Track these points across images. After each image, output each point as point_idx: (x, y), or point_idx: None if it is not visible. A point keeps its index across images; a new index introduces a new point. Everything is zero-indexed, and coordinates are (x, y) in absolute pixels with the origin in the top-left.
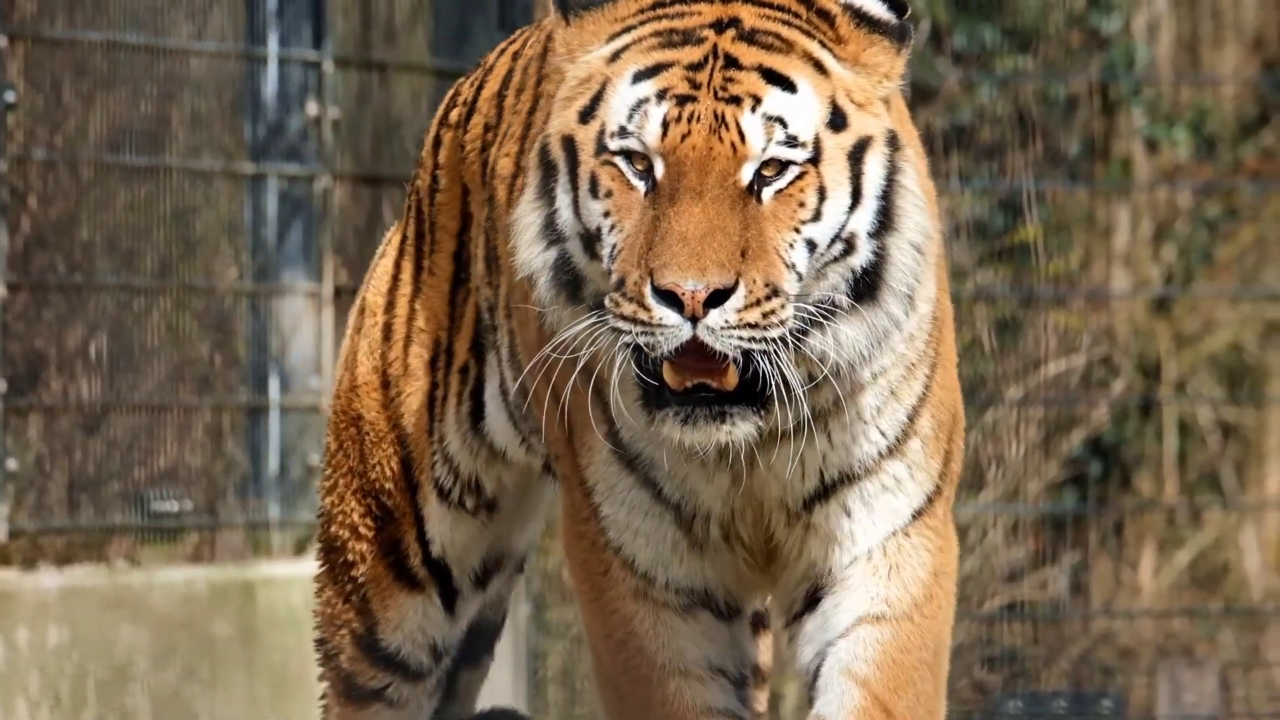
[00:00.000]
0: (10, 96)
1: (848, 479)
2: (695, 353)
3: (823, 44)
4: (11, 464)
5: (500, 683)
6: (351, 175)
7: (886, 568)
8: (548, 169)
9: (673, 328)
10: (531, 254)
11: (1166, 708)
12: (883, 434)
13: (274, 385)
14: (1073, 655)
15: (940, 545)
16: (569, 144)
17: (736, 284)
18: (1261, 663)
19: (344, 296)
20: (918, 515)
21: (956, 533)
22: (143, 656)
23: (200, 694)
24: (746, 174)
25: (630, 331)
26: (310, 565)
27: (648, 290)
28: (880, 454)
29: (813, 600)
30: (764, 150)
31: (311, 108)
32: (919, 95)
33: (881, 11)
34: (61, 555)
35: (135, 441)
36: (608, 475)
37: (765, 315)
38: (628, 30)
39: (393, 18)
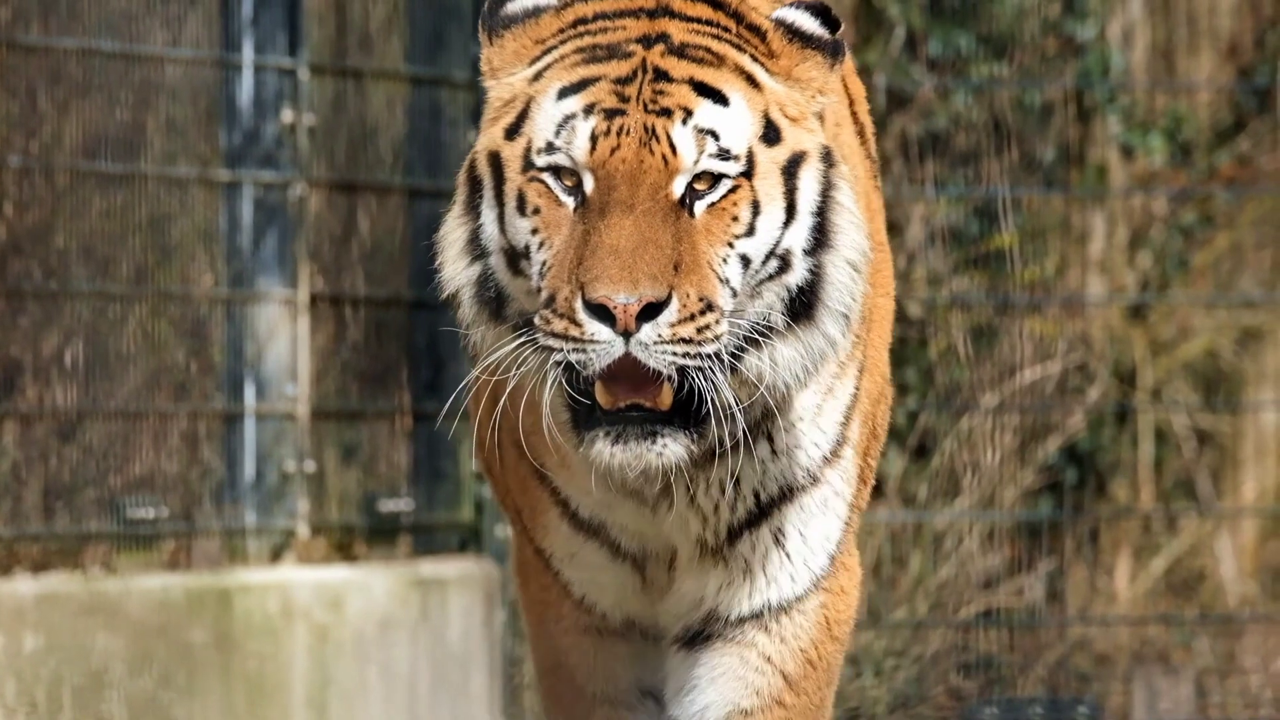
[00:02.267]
0: None
1: (787, 493)
2: (628, 373)
3: (754, 58)
4: None
5: (476, 687)
6: (327, 182)
7: (777, 641)
8: (473, 185)
9: (605, 343)
10: (455, 270)
11: (1143, 714)
12: (823, 431)
13: (250, 392)
14: (1049, 662)
15: (836, 599)
16: (495, 160)
17: (669, 297)
18: (1237, 669)
19: (319, 303)
20: (840, 548)
21: (932, 539)
22: (119, 663)
23: (177, 701)
24: (678, 187)
25: (561, 349)
26: (286, 570)
27: (579, 305)
28: (821, 460)
29: (695, 639)
30: (696, 163)
31: (287, 114)
32: (894, 102)
33: (814, 27)
34: (37, 562)
35: (111, 448)
36: (568, 544)
37: (699, 330)
38: (550, 50)
39: (368, 25)
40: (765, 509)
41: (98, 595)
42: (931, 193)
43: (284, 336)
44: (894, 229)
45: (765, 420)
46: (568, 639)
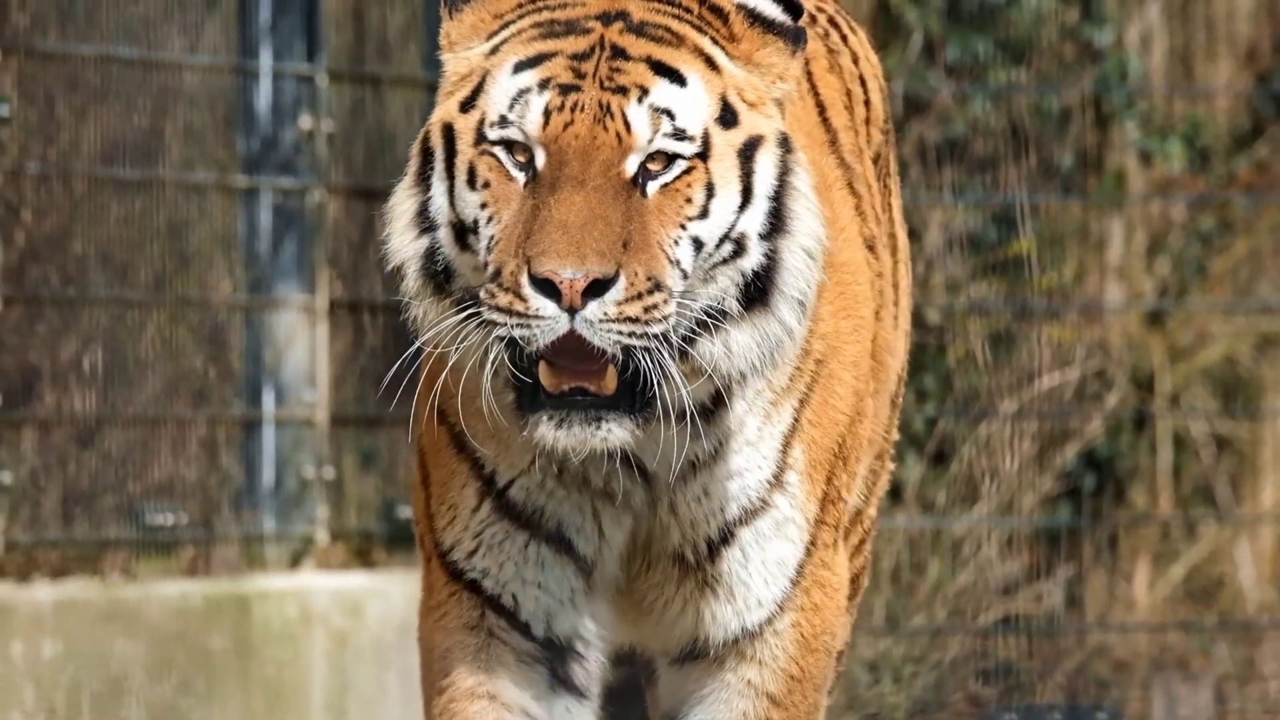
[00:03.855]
0: (3, 110)
1: (747, 515)
2: (573, 353)
3: (715, 41)
4: (5, 477)
5: None
6: (345, 189)
7: (755, 667)
8: (425, 156)
9: (549, 319)
10: (403, 242)
11: None
12: (765, 458)
13: (268, 398)
14: (1068, 669)
15: (811, 616)
16: (448, 132)
17: (617, 275)
18: (1256, 676)
19: (338, 309)
20: (799, 573)
21: (950, 546)
22: (138, 670)
23: (195, 707)
24: (631, 165)
25: (505, 324)
26: (305, 577)
27: (524, 279)
28: (768, 484)
29: (685, 658)
30: (650, 142)
31: (305, 121)
32: (912, 107)
33: (776, 13)
34: (56, 568)
35: (130, 455)
36: (492, 534)
37: (646, 310)
38: (508, 25)
39: (386, 31)
40: (725, 532)
41: (117, 602)
42: (949, 199)
43: (302, 343)
44: (912, 235)
45: (714, 420)
46: (451, 639)
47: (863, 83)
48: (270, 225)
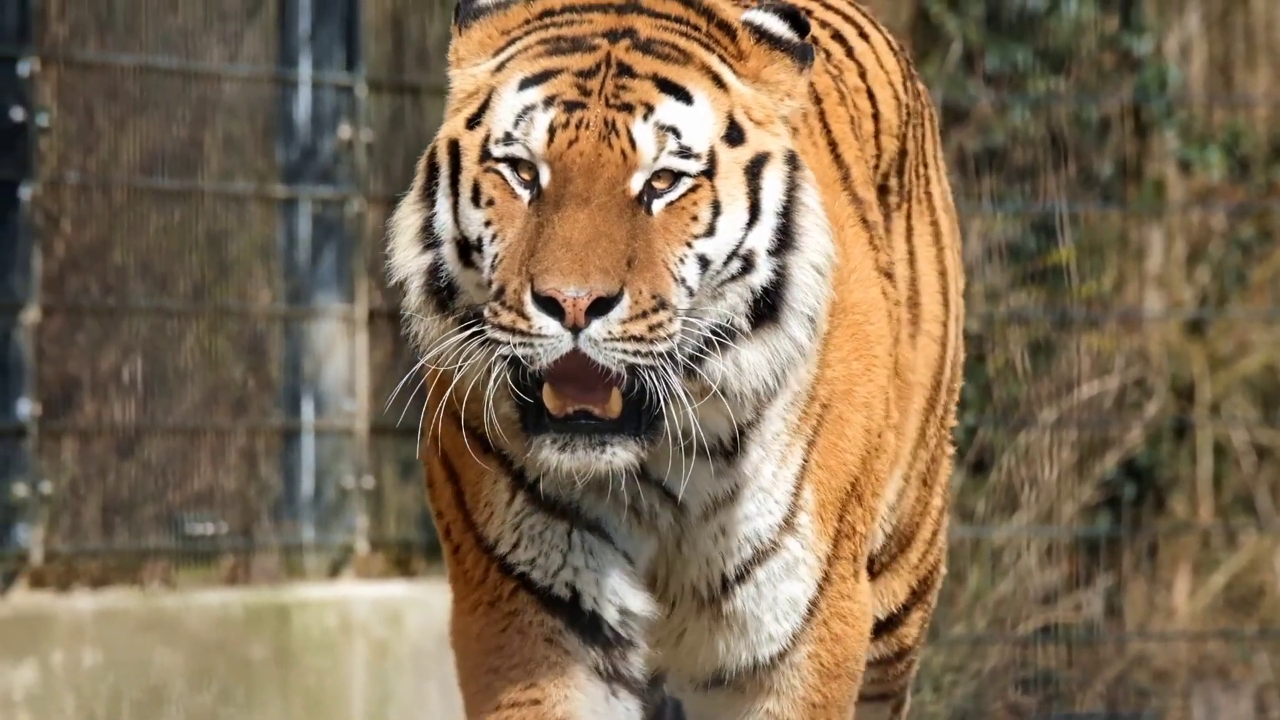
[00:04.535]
0: (43, 120)
1: (760, 555)
2: (577, 376)
3: (722, 59)
4: (46, 487)
5: None
6: (384, 198)
7: (773, 702)
8: (431, 172)
9: (552, 338)
10: (406, 258)
11: None
12: (778, 502)
13: (308, 408)
14: (1108, 678)
15: (830, 646)
16: (454, 148)
17: (621, 293)
18: None
19: (377, 319)
20: (812, 609)
21: (990, 555)
22: (178, 679)
23: (235, 716)
24: (636, 183)
25: (508, 342)
26: (345, 586)
27: (527, 297)
28: (780, 526)
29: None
30: (655, 160)
31: (344, 131)
32: (951, 117)
33: (784, 30)
34: (96, 578)
35: (169, 464)
36: (530, 524)
37: (651, 328)
38: (514, 41)
39: (425, 41)
40: (740, 572)
41: (157, 611)
42: (989, 208)
43: (342, 352)
44: None
45: (733, 462)
46: (498, 640)
47: (870, 95)
48: (309, 235)
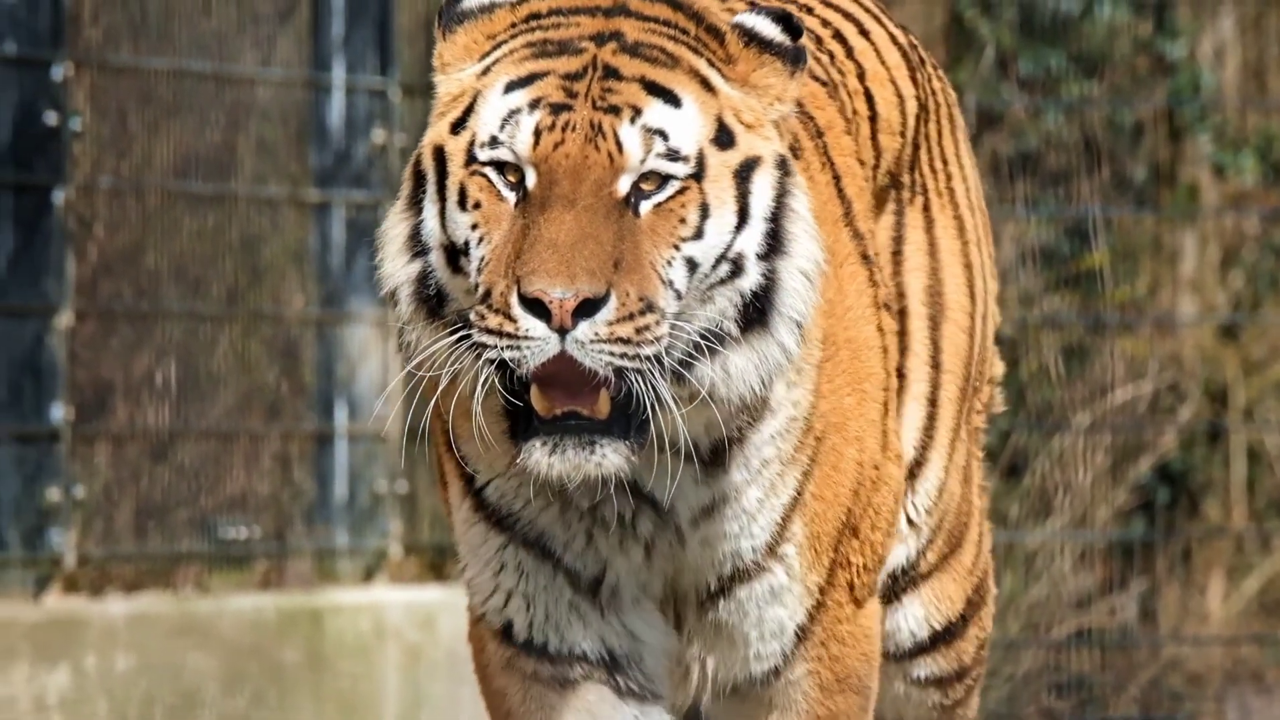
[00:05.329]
0: (76, 124)
1: (741, 575)
2: (565, 380)
3: (711, 62)
4: (79, 491)
5: None
6: None
7: (776, 713)
8: (417, 180)
9: (539, 340)
10: (395, 266)
11: None
12: (762, 529)
13: (341, 412)
14: (1142, 682)
15: (830, 665)
16: (439, 154)
17: (608, 295)
18: None
19: None
20: (801, 634)
21: (1024, 559)
22: (211, 683)
23: None
24: (623, 186)
25: (495, 345)
26: (378, 590)
27: (514, 299)
28: (764, 551)
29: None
30: (642, 162)
31: (378, 135)
32: (985, 121)
33: (774, 33)
34: (129, 582)
35: (203, 469)
36: (470, 536)
37: (638, 331)
38: (500, 45)
39: None
40: (722, 587)
41: (190, 615)
42: (1023, 212)
43: (375, 356)
44: None
45: (726, 501)
46: (497, 681)
47: (868, 96)
48: (343, 239)
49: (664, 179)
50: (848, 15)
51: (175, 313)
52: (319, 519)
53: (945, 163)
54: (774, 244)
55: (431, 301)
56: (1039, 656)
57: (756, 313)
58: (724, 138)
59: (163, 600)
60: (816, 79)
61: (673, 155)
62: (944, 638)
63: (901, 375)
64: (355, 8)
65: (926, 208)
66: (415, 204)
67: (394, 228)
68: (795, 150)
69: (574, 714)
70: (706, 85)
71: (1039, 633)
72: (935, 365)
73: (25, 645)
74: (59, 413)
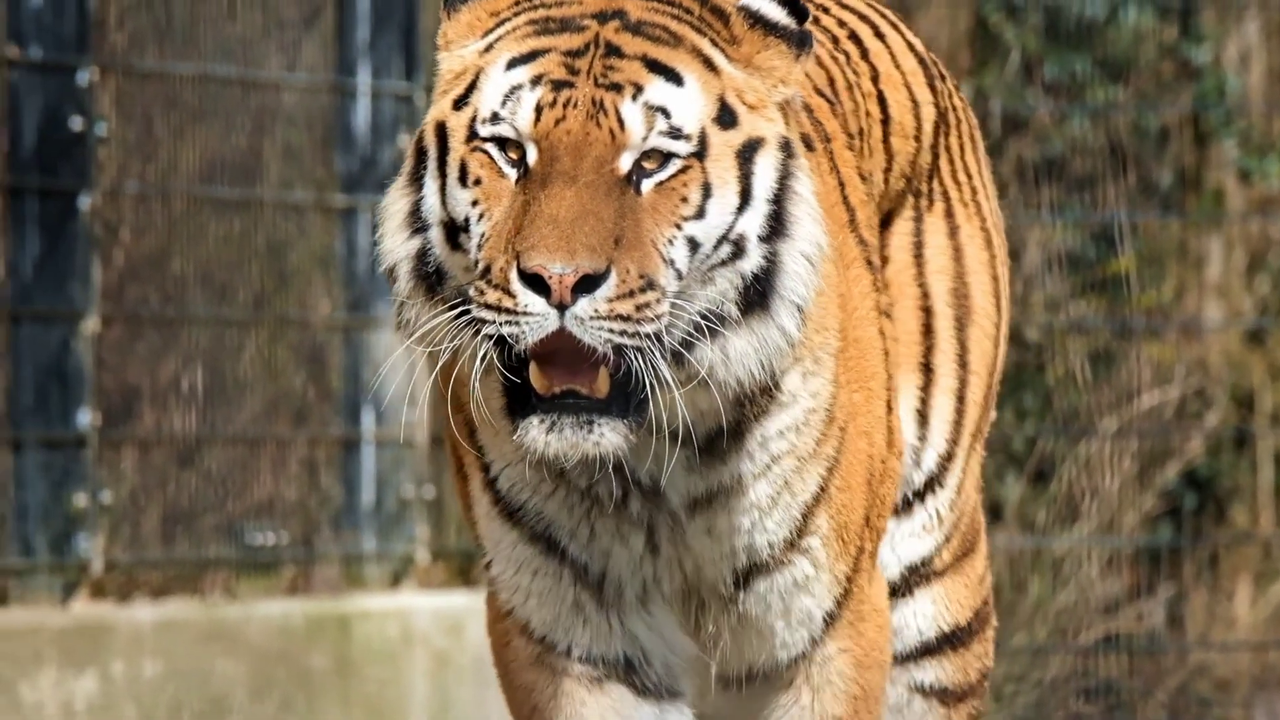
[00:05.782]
0: (102, 129)
1: (760, 568)
2: (564, 356)
3: (714, 42)
4: (106, 497)
5: None
6: None
7: (809, 692)
8: (419, 156)
9: (538, 316)
10: (395, 243)
11: None
12: (779, 524)
13: (368, 418)
14: (1169, 687)
15: (859, 642)
16: (441, 130)
17: (608, 271)
18: None
19: None
20: (829, 620)
21: (1051, 564)
22: (239, 689)
23: None
24: (625, 163)
25: (494, 321)
26: (406, 596)
27: (513, 275)
28: (782, 545)
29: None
30: (644, 140)
31: (403, 140)
32: (1010, 126)
33: (780, 15)
34: (157, 588)
35: (230, 474)
36: (490, 530)
37: (639, 308)
38: (503, 22)
39: None
40: (740, 579)
41: (217, 621)
42: (1048, 218)
43: (402, 362)
44: (1010, 254)
45: (728, 491)
46: (526, 676)
47: (881, 99)
48: (369, 244)
49: (666, 157)
50: (863, 18)
51: (202, 318)
52: (346, 524)
53: (970, 177)
54: (776, 226)
55: (431, 278)
56: (1067, 662)
57: (757, 295)
58: (726, 117)
59: (190, 606)
60: (820, 93)
61: (675, 133)
62: (950, 642)
63: (929, 370)
64: (381, 12)
65: (949, 214)
66: (416, 180)
67: (394, 204)
68: (807, 141)
69: (599, 711)
70: (709, 65)
71: (1067, 638)
72: (963, 364)
73: (53, 651)
74: (86, 418)
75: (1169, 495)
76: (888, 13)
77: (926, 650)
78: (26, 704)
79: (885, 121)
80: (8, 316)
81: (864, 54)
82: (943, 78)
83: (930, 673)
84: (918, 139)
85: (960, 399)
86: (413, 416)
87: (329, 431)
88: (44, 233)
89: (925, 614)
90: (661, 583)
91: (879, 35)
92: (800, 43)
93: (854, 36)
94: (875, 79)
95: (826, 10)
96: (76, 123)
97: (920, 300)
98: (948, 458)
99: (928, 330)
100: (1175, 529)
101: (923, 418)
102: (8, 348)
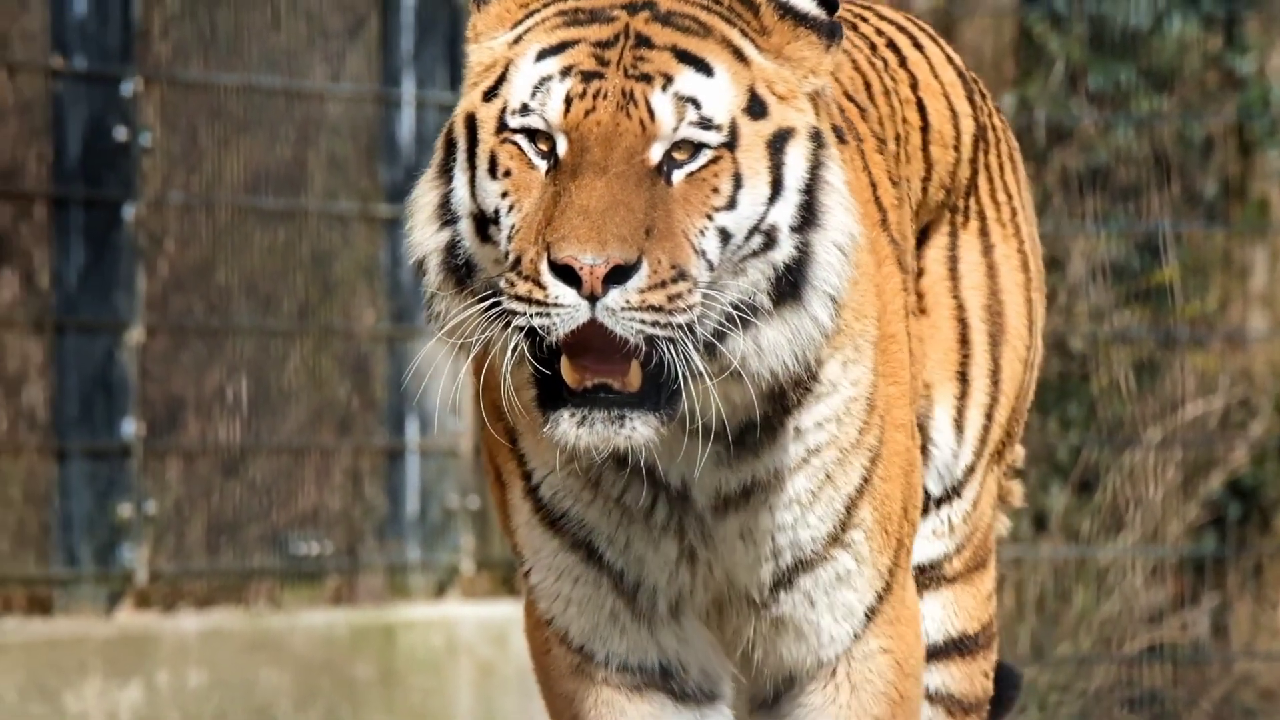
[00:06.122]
0: (146, 140)
1: (803, 565)
2: (595, 347)
3: (744, 33)
4: (151, 507)
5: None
6: None
7: (847, 689)
8: (449, 148)
9: (569, 307)
10: (425, 235)
11: None
12: (821, 520)
13: (412, 428)
14: (1214, 697)
15: (899, 641)
16: (470, 122)
17: (639, 262)
18: None
19: None
20: (870, 614)
21: (1095, 574)
22: (283, 699)
23: None
24: (655, 153)
25: (525, 313)
26: (450, 606)
27: (544, 266)
28: (825, 540)
29: (774, 709)
30: (675, 130)
31: None
32: (1055, 136)
33: (809, 6)
34: (201, 598)
35: (274, 484)
36: (531, 538)
37: (670, 299)
38: (532, 14)
39: None
40: (781, 578)
41: (262, 631)
42: (1093, 228)
43: (446, 372)
44: (1055, 264)
45: (765, 487)
46: (567, 685)
47: (920, 106)
48: None
49: (696, 148)
50: (901, 29)
51: (246, 328)
52: (391, 534)
53: (1010, 197)
54: (808, 216)
55: (460, 271)
56: (1111, 672)
57: (789, 286)
58: (756, 108)
59: (235, 616)
60: (850, 98)
61: (705, 124)
62: (958, 648)
63: (965, 380)
64: (425, 22)
65: (985, 232)
66: (445, 172)
67: (423, 196)
68: (838, 133)
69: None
70: (739, 55)
71: (1111, 648)
72: (995, 382)
73: (98, 661)
74: (130, 428)
75: (1213, 505)
76: (926, 27)
77: (933, 654)
78: (71, 714)
79: (924, 129)
80: (53, 327)
81: (902, 62)
82: (983, 96)
83: (937, 677)
84: (957, 149)
85: (988, 416)
86: (458, 426)
87: (373, 441)
88: (89, 243)
89: (933, 617)
90: (695, 593)
91: (917, 46)
92: (830, 33)
93: (892, 45)
94: (914, 86)
95: (864, 19)
96: (121, 133)
97: (956, 311)
98: (969, 470)
99: (964, 341)
100: (1219, 539)
101: (958, 427)
102: (53, 358)
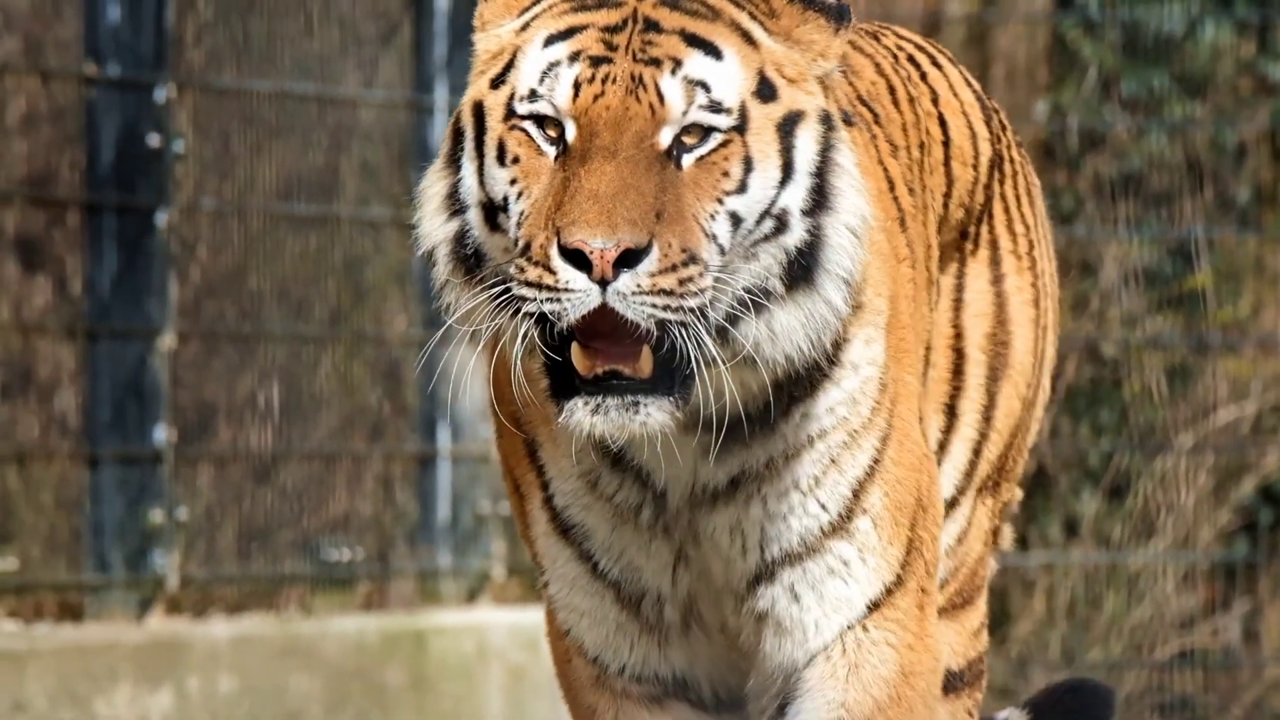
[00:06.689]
0: (179, 146)
1: (790, 558)
2: (606, 333)
3: (753, 16)
4: (182, 513)
5: None
6: None
7: (845, 668)
8: (456, 137)
9: (580, 292)
10: (433, 226)
11: None
12: (823, 507)
13: (444, 434)
14: (1245, 702)
15: (909, 643)
16: (478, 110)
17: (650, 245)
18: None
19: None
20: (875, 607)
21: (1127, 580)
22: (315, 705)
23: None
24: (665, 138)
25: (535, 299)
26: (482, 611)
27: (554, 251)
28: (823, 530)
29: (781, 709)
30: (684, 114)
31: None
32: (1088, 142)
33: None
34: (233, 604)
35: (306, 490)
36: (548, 548)
37: (681, 283)
38: (539, 1)
39: None
40: (770, 567)
41: (293, 637)
42: (1126, 233)
43: (478, 377)
44: (1087, 269)
45: (760, 477)
46: (588, 697)
47: (942, 121)
48: None
49: (706, 131)
50: (920, 47)
51: (278, 334)
52: (422, 540)
53: (1027, 230)
54: (819, 199)
55: (469, 261)
56: (1143, 677)
57: (801, 270)
58: (766, 91)
59: (266, 622)
60: (864, 103)
61: (715, 107)
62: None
63: (953, 413)
64: (458, 29)
65: (995, 262)
66: (453, 162)
67: (432, 186)
68: (847, 117)
69: None
70: (748, 38)
71: (1142, 653)
72: (987, 419)
73: (128, 667)
74: (162, 434)
75: (1245, 510)
76: (946, 51)
77: None
78: None
79: (946, 144)
80: (85, 333)
81: (923, 76)
82: (1004, 127)
83: None
84: (975, 168)
85: (976, 452)
86: (489, 432)
87: (405, 447)
88: (121, 249)
89: None
90: (700, 598)
91: (936, 65)
92: (839, 17)
93: (913, 60)
94: (936, 101)
95: (884, 34)
96: (154, 139)
97: (952, 340)
98: (952, 504)
99: (957, 371)
100: (1251, 544)
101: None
102: (85, 364)
